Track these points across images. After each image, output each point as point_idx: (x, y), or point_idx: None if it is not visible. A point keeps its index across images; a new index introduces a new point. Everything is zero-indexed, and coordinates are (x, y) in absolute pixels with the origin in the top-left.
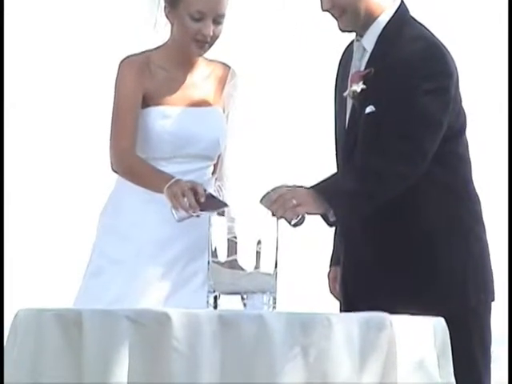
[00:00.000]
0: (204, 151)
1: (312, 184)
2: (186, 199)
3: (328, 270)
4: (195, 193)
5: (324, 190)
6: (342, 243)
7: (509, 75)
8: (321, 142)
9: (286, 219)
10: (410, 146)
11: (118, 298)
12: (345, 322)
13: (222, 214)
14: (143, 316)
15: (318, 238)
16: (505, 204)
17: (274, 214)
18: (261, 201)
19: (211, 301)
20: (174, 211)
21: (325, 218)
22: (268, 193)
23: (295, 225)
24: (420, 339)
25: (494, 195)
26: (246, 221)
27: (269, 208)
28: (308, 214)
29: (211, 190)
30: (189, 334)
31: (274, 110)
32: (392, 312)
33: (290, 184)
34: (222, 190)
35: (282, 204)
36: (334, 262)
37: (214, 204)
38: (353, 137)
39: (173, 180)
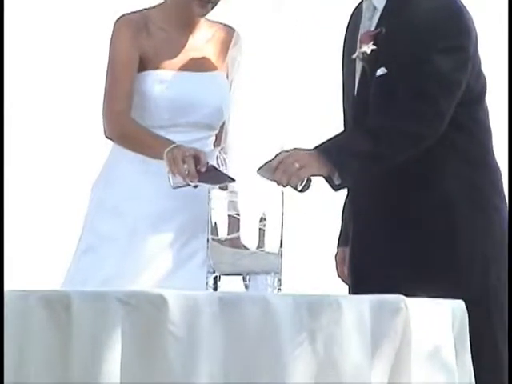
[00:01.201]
0: (205, 119)
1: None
2: (185, 166)
3: (335, 251)
4: (197, 161)
5: (328, 150)
6: (351, 221)
7: (509, 75)
8: (330, 111)
9: (291, 186)
10: (424, 105)
11: (109, 278)
12: (356, 305)
13: (224, 188)
14: (137, 298)
15: (326, 214)
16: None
17: (278, 184)
18: (259, 171)
19: (211, 282)
20: (170, 176)
21: (330, 181)
22: (266, 162)
23: (302, 190)
24: (437, 324)
25: None
26: (250, 195)
27: (271, 178)
28: (312, 176)
29: (214, 163)
30: (186, 317)
31: (280, 77)
32: (407, 294)
33: (289, 148)
34: (223, 164)
35: (285, 170)
36: (342, 242)
37: (216, 177)
38: (363, 103)
39: (174, 144)
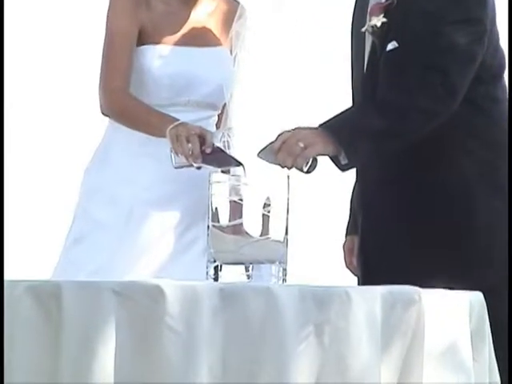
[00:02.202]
0: (207, 98)
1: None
2: (189, 145)
3: (343, 240)
4: (202, 141)
5: (333, 127)
6: (360, 207)
7: (509, 75)
8: (329, 112)
9: (296, 168)
10: (436, 79)
11: (103, 268)
12: (366, 297)
13: (226, 171)
14: (132, 289)
15: (335, 200)
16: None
17: (282, 166)
18: (260, 154)
19: (211, 272)
20: (173, 155)
21: (336, 160)
22: (268, 144)
23: (308, 171)
24: (453, 317)
25: None
26: (253, 179)
27: (273, 161)
28: (318, 155)
29: (219, 144)
30: (185, 310)
31: (280, 77)
32: (421, 285)
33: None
34: (228, 147)
35: (289, 151)
36: (351, 230)
37: (221, 159)
38: (373, 80)
39: (179, 121)
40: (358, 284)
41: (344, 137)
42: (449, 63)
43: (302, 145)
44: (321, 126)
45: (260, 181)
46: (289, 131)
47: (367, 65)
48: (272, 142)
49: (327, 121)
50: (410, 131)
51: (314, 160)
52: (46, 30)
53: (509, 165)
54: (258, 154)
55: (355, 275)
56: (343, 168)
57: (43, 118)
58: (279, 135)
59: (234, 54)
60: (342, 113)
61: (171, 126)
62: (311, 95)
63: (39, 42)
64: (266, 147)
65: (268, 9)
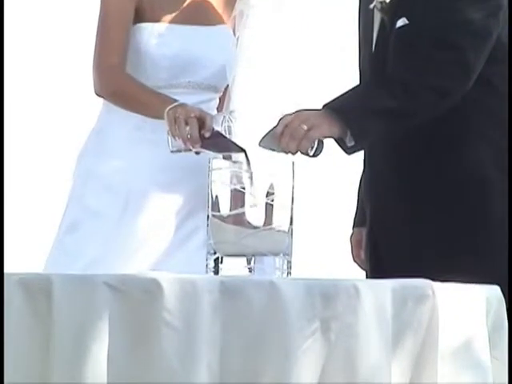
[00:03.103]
0: (208, 80)
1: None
2: (188, 128)
3: (351, 232)
4: (202, 124)
5: (339, 107)
6: (369, 197)
7: (509, 76)
8: (344, 73)
9: (301, 152)
10: (450, 56)
11: (96, 260)
12: (376, 291)
13: (227, 157)
14: (127, 283)
15: (342, 189)
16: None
17: (286, 152)
18: (262, 142)
19: (211, 264)
20: (169, 138)
21: (341, 143)
22: (269, 131)
23: (314, 155)
24: (469, 313)
25: None
26: (256, 166)
27: (277, 149)
28: (324, 137)
29: (220, 128)
30: (184, 305)
31: (293, 32)
32: (433, 279)
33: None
34: (229, 132)
35: (292, 135)
36: (358, 222)
37: (221, 144)
38: (382, 58)
39: (178, 102)
40: (367, 278)
41: (351, 117)
42: (463, 39)
43: (305, 127)
44: (325, 106)
45: (263, 167)
46: (290, 114)
47: (376, 43)
48: (273, 128)
49: (331, 101)
50: (421, 111)
51: (320, 143)
52: (40, 15)
53: (509, 160)
54: (259, 143)
55: (363, 269)
56: (349, 151)
57: (35, 102)
58: (281, 119)
59: (236, 35)
60: (347, 92)
61: (169, 107)
62: (315, 80)
63: (34, 27)
64: (267, 134)
65: (268, 9)
